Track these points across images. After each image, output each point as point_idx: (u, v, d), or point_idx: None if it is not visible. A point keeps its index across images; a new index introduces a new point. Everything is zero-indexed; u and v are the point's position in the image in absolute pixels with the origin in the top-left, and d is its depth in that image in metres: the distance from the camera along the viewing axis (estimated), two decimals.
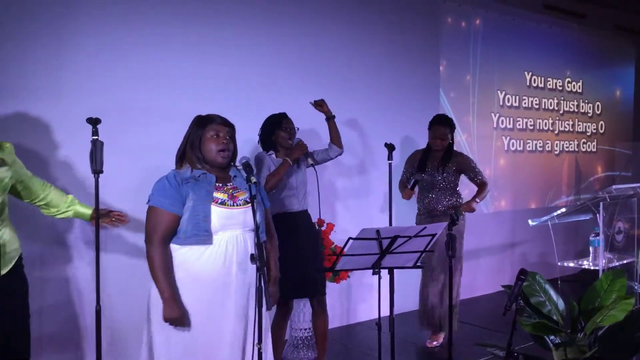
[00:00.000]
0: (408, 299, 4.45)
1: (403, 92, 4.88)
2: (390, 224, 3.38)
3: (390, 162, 3.24)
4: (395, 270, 2.66)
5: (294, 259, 3.10)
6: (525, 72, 6.08)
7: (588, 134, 6.90)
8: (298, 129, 3.38)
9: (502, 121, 5.84)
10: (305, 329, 3.79)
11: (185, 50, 3.66)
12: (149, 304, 2.32)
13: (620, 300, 2.58)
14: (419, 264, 2.58)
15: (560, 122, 6.51)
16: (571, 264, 4.43)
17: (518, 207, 5.98)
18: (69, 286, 3.25)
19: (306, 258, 3.25)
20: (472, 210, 4.01)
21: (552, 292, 2.85)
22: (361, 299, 4.66)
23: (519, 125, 6.02)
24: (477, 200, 4.02)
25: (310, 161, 3.43)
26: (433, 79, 5.17)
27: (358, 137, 4.59)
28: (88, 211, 2.73)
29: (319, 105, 3.56)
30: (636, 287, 4.21)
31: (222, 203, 2.29)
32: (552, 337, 2.72)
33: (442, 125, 4.04)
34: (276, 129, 3.31)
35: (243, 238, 2.31)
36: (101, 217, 2.72)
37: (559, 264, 4.38)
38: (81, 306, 3.27)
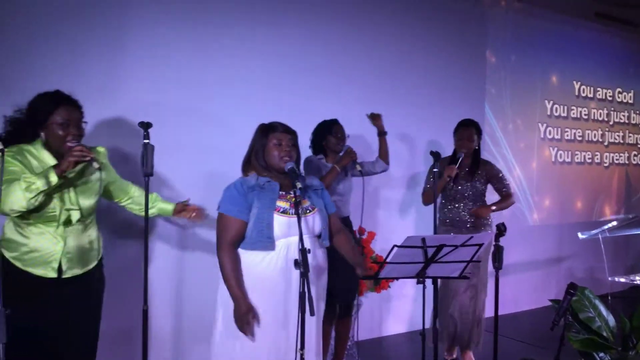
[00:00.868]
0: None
1: (447, 101, 4.82)
2: (435, 233, 3.34)
3: (435, 170, 3.21)
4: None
5: (337, 263, 3.10)
6: (574, 82, 5.94)
7: (639, 146, 6.67)
8: (348, 135, 3.43)
9: (550, 131, 5.70)
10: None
11: (237, 54, 3.71)
12: (216, 305, 2.43)
13: None
14: (464, 274, 2.53)
15: (610, 133, 6.32)
16: (622, 280, 4.28)
17: (564, 220, 5.82)
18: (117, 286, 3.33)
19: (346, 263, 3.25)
20: (482, 214, 3.74)
21: (602, 308, 2.76)
22: (394, 310, 4.61)
23: (567, 136, 5.87)
24: (494, 208, 3.77)
25: (358, 168, 3.44)
26: (478, 86, 5.10)
27: (405, 146, 4.57)
28: (170, 207, 2.84)
29: (375, 119, 3.63)
30: None
31: (284, 212, 2.37)
32: (601, 354, 2.63)
33: (468, 126, 3.84)
34: (327, 134, 3.40)
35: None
36: (181, 212, 2.85)
37: (609, 279, 4.23)
38: (123, 307, 3.32)
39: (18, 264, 2.32)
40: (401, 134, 4.48)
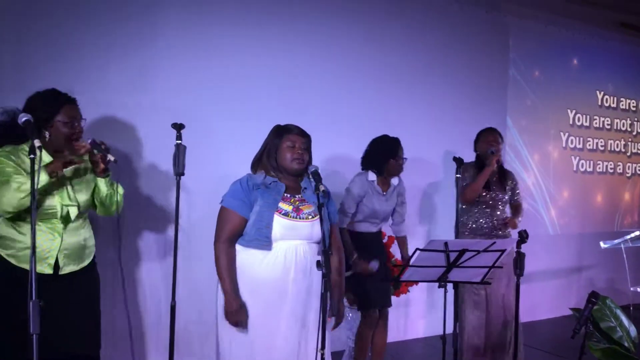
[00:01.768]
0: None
1: (468, 111, 4.82)
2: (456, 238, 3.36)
3: (457, 175, 3.21)
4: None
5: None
6: (597, 91, 5.91)
7: None
8: (406, 159, 3.42)
9: (572, 141, 5.68)
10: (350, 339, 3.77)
11: (270, 54, 3.79)
12: (217, 304, 2.42)
13: None
14: (486, 279, 2.56)
15: (633, 144, 6.27)
16: None
17: (585, 230, 5.78)
18: (142, 284, 3.42)
19: (380, 270, 3.33)
20: (515, 226, 3.68)
21: (623, 318, 2.76)
22: (414, 315, 4.62)
23: (589, 145, 5.84)
24: (520, 219, 3.76)
25: (399, 200, 3.50)
26: (500, 94, 5.11)
27: (424, 154, 4.59)
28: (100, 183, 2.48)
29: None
30: None
31: (286, 214, 2.35)
32: None
33: (493, 130, 3.77)
34: (390, 158, 3.34)
35: (303, 249, 2.37)
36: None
37: (631, 289, 4.20)
38: (147, 303, 3.40)
39: (12, 261, 2.31)
40: (419, 143, 4.44)
